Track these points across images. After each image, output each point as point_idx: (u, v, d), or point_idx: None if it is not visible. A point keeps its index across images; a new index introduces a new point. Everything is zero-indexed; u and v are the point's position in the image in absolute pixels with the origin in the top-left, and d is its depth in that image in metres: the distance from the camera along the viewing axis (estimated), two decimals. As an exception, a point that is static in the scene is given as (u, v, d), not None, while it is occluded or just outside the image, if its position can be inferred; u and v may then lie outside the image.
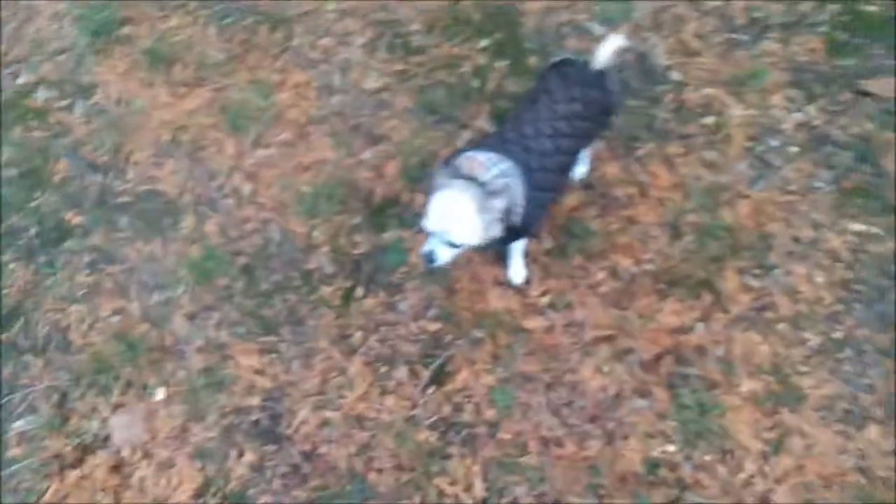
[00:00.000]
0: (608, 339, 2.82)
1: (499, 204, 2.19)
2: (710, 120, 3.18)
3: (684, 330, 2.86)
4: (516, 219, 2.29)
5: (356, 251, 2.87)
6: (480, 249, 2.50)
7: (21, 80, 3.08)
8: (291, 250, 2.87)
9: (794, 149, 3.16)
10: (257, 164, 2.98)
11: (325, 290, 2.82)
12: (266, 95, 3.09)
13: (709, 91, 3.24)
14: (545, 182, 2.35)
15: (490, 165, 2.23)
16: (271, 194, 2.93)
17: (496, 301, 2.82)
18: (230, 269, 2.82)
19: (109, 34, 3.15)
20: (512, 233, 2.39)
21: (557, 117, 2.35)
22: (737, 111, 3.20)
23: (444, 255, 2.26)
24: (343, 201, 2.93)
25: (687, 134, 3.16)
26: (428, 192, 2.34)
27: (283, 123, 3.05)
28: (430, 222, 2.22)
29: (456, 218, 2.19)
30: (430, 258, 2.26)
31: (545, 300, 2.84)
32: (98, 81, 3.08)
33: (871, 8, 3.44)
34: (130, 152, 2.97)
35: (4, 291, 2.76)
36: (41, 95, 3.05)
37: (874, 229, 3.04)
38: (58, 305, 2.75)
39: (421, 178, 2.98)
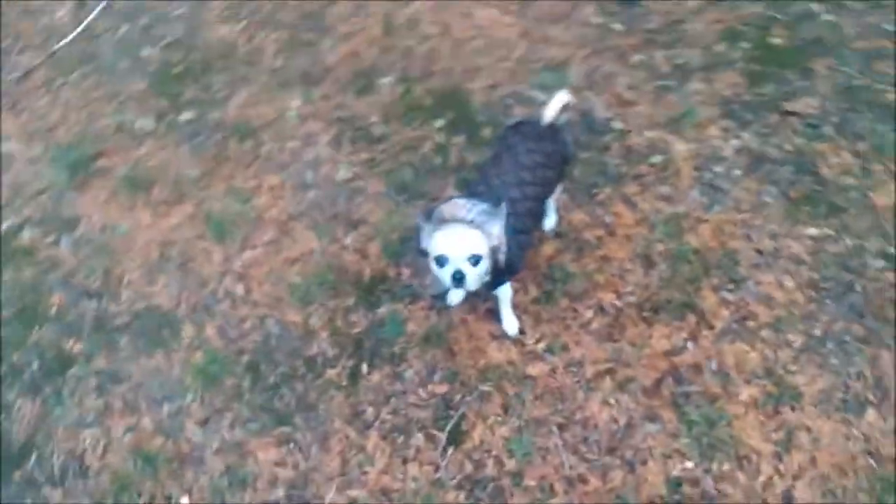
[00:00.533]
0: (608, 372, 2.94)
1: (495, 230, 2.36)
2: (657, 159, 3.44)
3: (676, 351, 3.00)
4: (501, 257, 2.44)
5: (354, 330, 2.97)
6: (473, 296, 2.62)
7: (5, 225, 3.18)
8: (292, 340, 2.95)
9: (738, 171, 3.43)
10: (246, 265, 3.10)
11: (331, 373, 2.89)
12: (245, 201, 3.24)
13: (650, 134, 3.52)
14: (519, 225, 2.54)
15: (471, 207, 2.41)
16: (264, 291, 3.03)
17: (496, 354, 2.93)
18: (235, 368, 2.88)
19: (86, 169, 3.29)
20: (499, 273, 2.55)
21: (521, 168, 2.58)
22: (680, 147, 3.48)
23: (470, 273, 2.37)
24: (334, 286, 3.05)
25: (639, 174, 3.40)
26: (420, 241, 2.48)
27: (265, 224, 3.19)
28: (443, 250, 2.35)
29: (466, 237, 2.34)
30: (458, 277, 2.36)
31: (542, 345, 2.96)
32: (80, 214, 3.20)
33: (777, 41, 3.84)
34: (122, 275, 3.06)
35: (14, 428, 2.75)
36: (27, 235, 3.14)
37: (827, 230, 3.28)
38: (70, 433, 2.76)
39: (403, 252, 3.14)
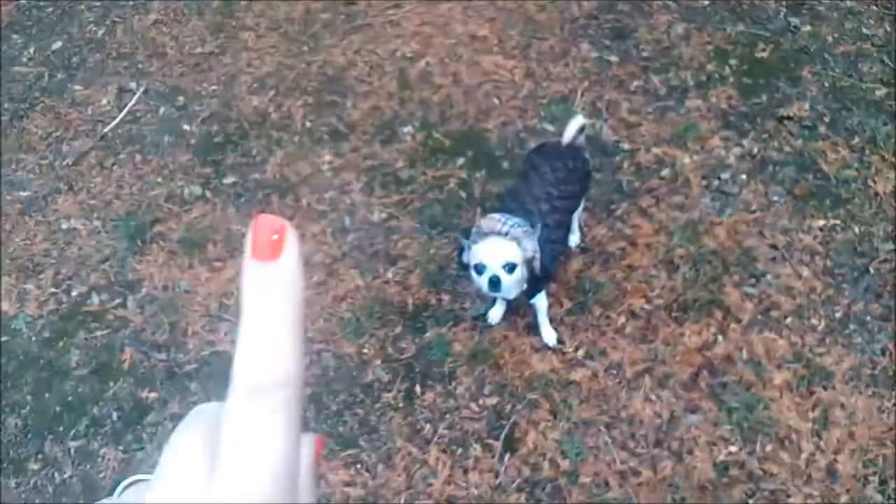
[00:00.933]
0: (646, 371, 3.12)
1: (529, 246, 2.60)
2: (666, 172, 3.69)
3: (708, 346, 3.18)
4: (537, 264, 2.68)
5: (405, 356, 3.19)
6: (512, 313, 2.84)
7: (75, 293, 3.45)
8: (348, 371, 3.17)
9: (743, 176, 3.67)
10: (298, 307, 3.33)
11: (388, 396, 3.09)
12: (291, 250, 3.50)
13: (657, 150, 3.78)
14: (551, 235, 2.80)
15: (506, 220, 2.67)
16: (318, 328, 3.26)
17: (539, 364, 3.12)
18: (298, 401, 3.09)
19: (143, 235, 3.58)
20: (535, 281, 2.78)
21: (548, 185, 2.85)
22: (686, 160, 3.73)
23: (506, 280, 2.61)
24: (381, 317, 3.28)
25: (652, 188, 3.65)
26: (462, 256, 2.75)
27: (312, 268, 3.44)
28: (481, 258, 2.61)
29: (502, 247, 2.60)
30: (494, 282, 2.60)
31: (581, 352, 3.16)
32: (143, 276, 3.47)
33: (763, 54, 4.13)
34: (186, 327, 3.30)
35: (100, 476, 2.96)
36: (95, 300, 3.41)
37: (834, 221, 3.51)
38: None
39: (441, 280, 3.38)
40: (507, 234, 2.63)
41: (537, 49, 4.22)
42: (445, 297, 3.34)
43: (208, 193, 3.73)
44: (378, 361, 3.17)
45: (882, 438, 2.94)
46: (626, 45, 4.22)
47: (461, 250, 2.72)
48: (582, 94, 4.00)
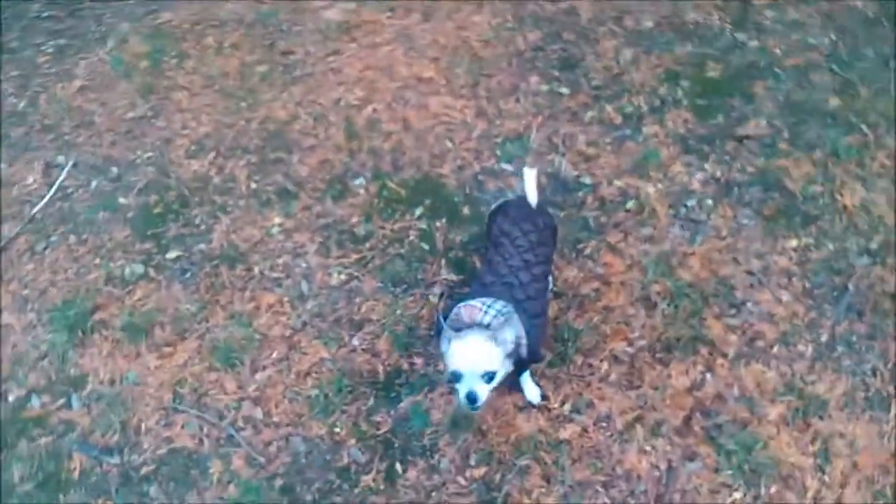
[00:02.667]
0: (637, 419, 2.96)
1: (510, 336, 2.42)
2: (631, 204, 3.57)
3: (697, 385, 3.04)
4: (523, 350, 2.51)
5: (381, 431, 2.96)
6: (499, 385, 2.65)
7: (12, 397, 3.14)
8: (321, 454, 2.93)
9: (710, 201, 3.57)
10: (261, 388, 3.09)
11: (367, 479, 2.86)
12: (247, 325, 3.26)
13: (619, 182, 3.66)
14: (535, 308, 2.64)
15: (487, 308, 2.49)
16: (283, 410, 3.02)
17: (526, 425, 2.93)
18: (270, 494, 2.84)
19: (84, 325, 3.29)
20: (523, 363, 2.61)
21: (523, 251, 2.71)
22: (650, 189, 3.62)
23: (482, 392, 2.42)
24: (352, 390, 3.05)
25: (618, 221, 3.52)
26: (438, 346, 2.54)
27: (271, 343, 3.21)
28: (458, 365, 2.41)
29: (481, 352, 2.39)
30: (471, 398, 2.41)
31: (568, 407, 2.98)
32: (86, 371, 3.18)
33: (713, 73, 4.08)
34: (139, 423, 3.03)
35: None
36: (36, 403, 3.10)
37: (807, 240, 3.42)
38: None
39: (412, 343, 3.17)
40: (488, 325, 2.44)
41: (486, 86, 4.08)
42: (418, 361, 3.13)
43: (151, 271, 3.46)
44: (352, 441, 2.94)
45: (886, 466, 2.82)
46: (576, 75, 4.11)
47: (438, 332, 2.51)
48: (537, 130, 3.87)
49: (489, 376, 2.44)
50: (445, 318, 2.53)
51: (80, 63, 4.35)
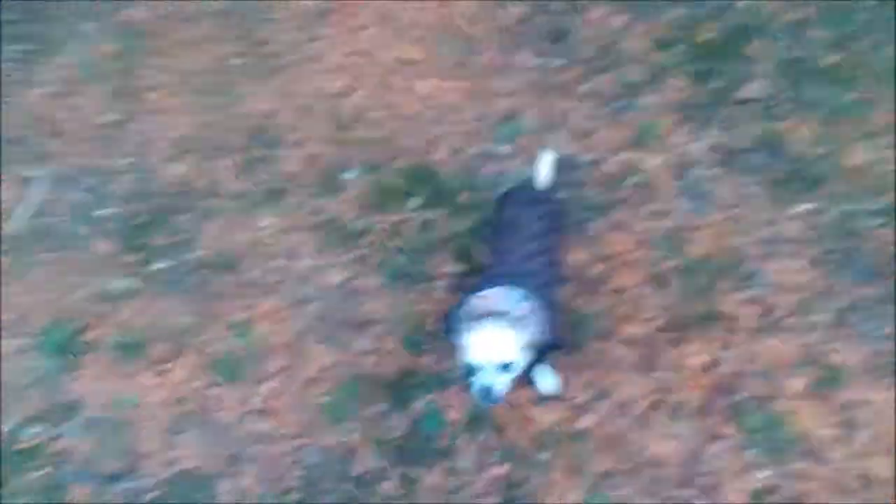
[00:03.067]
0: (657, 403, 2.89)
1: (530, 324, 2.29)
2: (634, 178, 3.46)
3: (715, 364, 2.97)
4: (546, 337, 2.39)
5: (396, 435, 2.87)
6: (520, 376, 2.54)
7: (4, 429, 2.99)
8: (335, 464, 2.83)
9: (715, 170, 3.46)
10: (266, 399, 2.98)
11: (385, 486, 2.77)
12: (246, 334, 3.14)
13: (620, 157, 3.54)
14: (551, 295, 2.52)
15: (503, 297, 2.35)
16: (292, 420, 2.92)
17: (544, 417, 2.85)
18: (286, 510, 2.74)
19: (74, 347, 3.15)
20: (543, 352, 2.49)
21: (531, 239, 2.59)
22: (652, 161, 3.50)
23: (500, 384, 2.29)
24: (362, 395, 2.95)
25: (623, 198, 3.41)
26: (451, 341, 2.41)
27: (273, 351, 3.08)
28: (475, 357, 2.28)
29: (500, 342, 2.26)
30: (487, 393, 2.28)
31: (585, 396, 2.90)
32: (81, 395, 3.04)
33: (707, 36, 3.93)
34: (141, 446, 2.91)
35: None
36: (29, 434, 2.97)
37: (814, 204, 3.33)
38: None
39: (421, 340, 3.06)
40: (506, 314, 2.31)
41: (475, 65, 3.91)
42: (428, 359, 3.02)
43: (139, 284, 3.31)
44: (367, 448, 2.85)
45: (913, 432, 2.77)
46: (567, 47, 3.95)
47: (450, 328, 2.37)
48: (531, 108, 3.73)
49: (508, 367, 2.32)
50: (460, 309, 2.41)
51: (44, 68, 4.12)
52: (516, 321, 2.28)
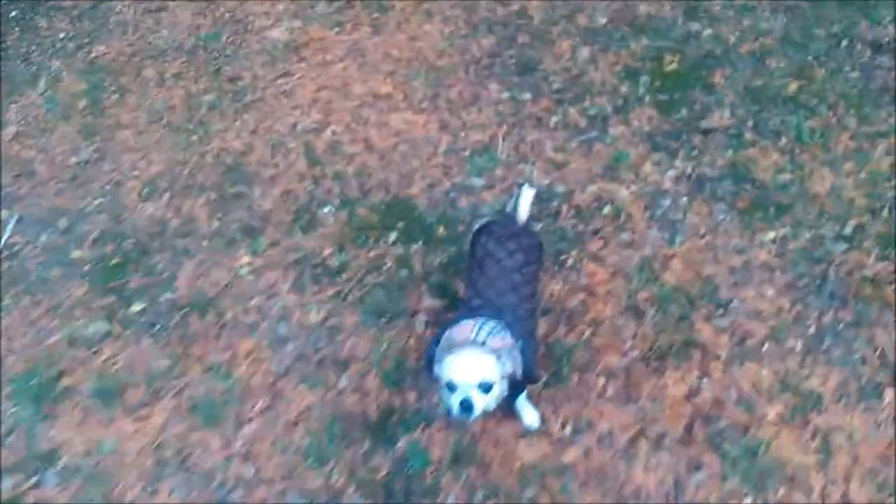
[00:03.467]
0: (639, 434, 2.92)
1: (505, 354, 2.32)
2: (607, 209, 3.52)
3: (694, 392, 3.01)
4: (519, 371, 2.41)
5: (380, 475, 2.85)
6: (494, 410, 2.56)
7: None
8: (320, 507, 2.81)
9: (684, 199, 3.54)
10: (248, 442, 2.95)
11: (372, 528, 2.75)
12: (225, 376, 3.11)
13: (592, 188, 3.60)
14: (525, 329, 2.54)
15: (479, 328, 2.38)
16: (275, 464, 2.89)
17: (528, 452, 2.86)
18: (271, 556, 2.71)
19: (50, 394, 3.09)
20: (519, 385, 2.51)
21: (510, 272, 2.60)
22: (624, 192, 3.57)
23: (479, 401, 2.31)
24: (345, 435, 2.93)
25: (596, 229, 3.47)
26: (431, 376, 2.44)
27: (253, 393, 3.06)
28: (453, 376, 2.30)
29: (477, 363, 2.30)
30: (467, 405, 2.29)
31: (568, 429, 2.92)
32: (59, 443, 2.98)
33: (672, 66, 4.04)
34: (122, 495, 2.85)
35: None
36: (7, 486, 2.90)
37: (782, 230, 3.42)
38: None
39: (402, 377, 3.06)
40: (483, 343, 2.34)
41: (446, 97, 3.97)
42: (410, 396, 3.02)
43: (116, 328, 3.27)
44: (351, 489, 2.82)
45: (886, 456, 2.83)
46: (535, 79, 4.03)
47: (430, 361, 2.41)
48: (503, 140, 3.78)
49: (486, 386, 2.33)
50: (436, 345, 2.43)
51: (10, 108, 4.08)
52: (493, 353, 2.31)
